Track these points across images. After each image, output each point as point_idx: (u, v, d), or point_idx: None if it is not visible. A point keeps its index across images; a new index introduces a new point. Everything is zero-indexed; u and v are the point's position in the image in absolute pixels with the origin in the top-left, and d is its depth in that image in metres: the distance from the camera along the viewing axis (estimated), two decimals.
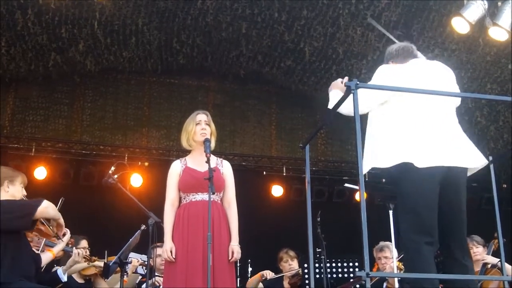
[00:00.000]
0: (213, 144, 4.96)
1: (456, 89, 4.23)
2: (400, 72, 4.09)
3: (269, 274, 7.30)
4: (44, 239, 5.51)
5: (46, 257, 5.39)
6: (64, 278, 6.03)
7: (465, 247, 4.00)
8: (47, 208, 4.64)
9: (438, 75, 4.17)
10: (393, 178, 3.91)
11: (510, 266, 6.48)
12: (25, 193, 4.99)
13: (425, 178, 3.77)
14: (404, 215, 3.84)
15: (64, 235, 5.28)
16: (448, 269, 3.85)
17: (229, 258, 4.72)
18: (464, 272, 3.82)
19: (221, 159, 5.14)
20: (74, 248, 5.97)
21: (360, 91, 3.55)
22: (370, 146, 4.02)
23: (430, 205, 3.77)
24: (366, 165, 3.93)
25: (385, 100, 4.04)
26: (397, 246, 6.20)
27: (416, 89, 3.94)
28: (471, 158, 3.97)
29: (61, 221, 4.97)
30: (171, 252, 4.70)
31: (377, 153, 3.93)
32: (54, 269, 6.39)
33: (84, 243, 6.75)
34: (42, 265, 5.37)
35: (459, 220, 3.94)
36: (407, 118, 3.93)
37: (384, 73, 4.13)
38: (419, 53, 4.44)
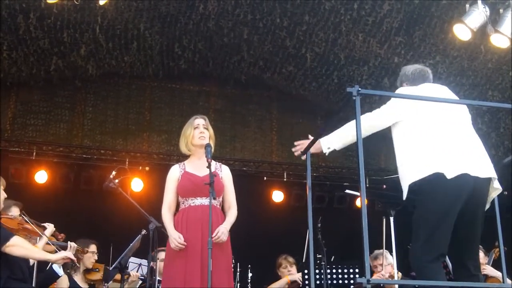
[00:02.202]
0: (212, 149, 4.96)
1: (466, 111, 4.28)
2: (415, 93, 4.17)
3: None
4: (43, 237, 5.50)
5: None
6: (61, 272, 6.02)
7: (477, 260, 4.07)
8: (11, 248, 4.73)
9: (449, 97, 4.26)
10: (421, 190, 3.89)
11: (510, 281, 6.47)
12: (5, 195, 5.01)
13: (453, 189, 3.79)
14: (419, 229, 3.85)
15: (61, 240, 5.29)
16: (460, 280, 3.86)
17: (213, 236, 4.67)
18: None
19: (219, 163, 5.13)
20: (68, 242, 5.90)
21: (384, 107, 3.95)
22: (401, 165, 4.08)
23: (449, 221, 3.80)
24: (404, 184, 3.99)
25: (405, 116, 4.11)
26: (397, 252, 6.20)
27: (419, 96, 3.99)
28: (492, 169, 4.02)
29: (47, 256, 5.02)
30: (179, 239, 4.68)
31: (407, 169, 3.99)
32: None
33: (93, 247, 6.76)
34: (31, 263, 5.37)
35: (476, 234, 4.00)
36: (430, 131, 4.00)
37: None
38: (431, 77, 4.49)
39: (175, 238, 4.69)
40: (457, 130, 4.04)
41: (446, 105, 4.08)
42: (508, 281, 6.27)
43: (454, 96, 4.33)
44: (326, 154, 4.28)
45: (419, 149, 3.94)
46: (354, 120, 3.76)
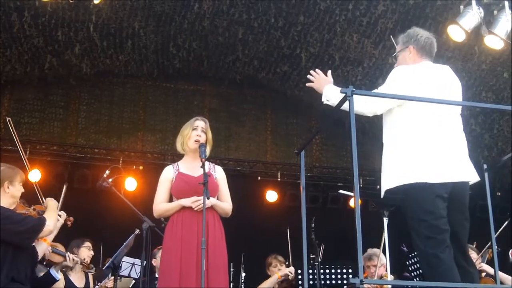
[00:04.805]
0: (207, 152, 4.93)
1: (460, 96, 4.27)
2: (413, 77, 4.10)
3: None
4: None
5: (41, 248, 5.33)
6: (58, 277, 6.01)
7: (469, 257, 4.11)
8: (49, 233, 4.93)
9: (447, 82, 4.21)
10: (405, 196, 3.95)
11: (510, 277, 6.50)
12: (23, 190, 5.01)
13: (435, 192, 3.84)
14: (417, 225, 3.88)
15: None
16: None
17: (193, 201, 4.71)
18: (471, 279, 3.89)
19: (213, 164, 5.12)
20: (67, 253, 5.93)
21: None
22: (385, 166, 4.09)
23: (442, 214, 3.84)
24: (384, 186, 4.03)
25: (396, 105, 4.09)
26: (391, 253, 6.20)
27: (416, 97, 3.97)
28: (472, 173, 4.07)
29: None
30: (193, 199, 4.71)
31: (390, 173, 4.02)
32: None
33: (87, 243, 6.78)
34: (39, 258, 5.35)
35: (465, 233, 4.04)
36: (416, 130, 3.99)
37: (399, 77, 4.14)
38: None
39: (190, 201, 4.71)
40: (444, 130, 4.02)
41: (436, 95, 4.04)
42: (509, 277, 6.32)
43: (453, 76, 4.29)
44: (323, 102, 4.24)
45: (404, 153, 3.97)
46: None
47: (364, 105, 4.07)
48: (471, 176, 4.06)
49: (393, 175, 3.98)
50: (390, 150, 4.08)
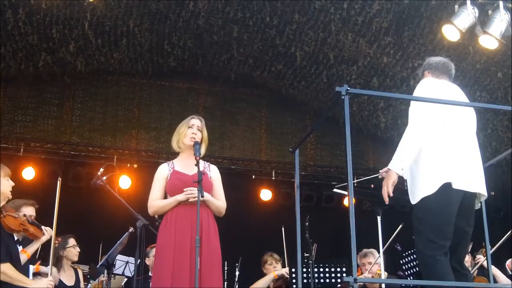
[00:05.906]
0: (203, 151, 4.92)
1: (473, 115, 4.31)
2: (437, 89, 4.22)
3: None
4: (37, 243, 5.46)
5: (22, 258, 5.32)
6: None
7: (463, 262, 4.16)
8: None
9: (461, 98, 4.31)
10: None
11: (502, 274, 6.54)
12: (13, 183, 4.97)
13: (452, 197, 3.89)
14: (422, 227, 3.92)
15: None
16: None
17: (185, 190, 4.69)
18: (465, 280, 3.97)
19: (208, 163, 5.11)
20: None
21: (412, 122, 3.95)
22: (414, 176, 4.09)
23: (450, 220, 3.88)
24: (416, 197, 4.01)
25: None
26: (384, 252, 6.22)
27: (416, 97, 4.01)
28: (483, 187, 4.11)
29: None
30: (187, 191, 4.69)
31: (421, 182, 4.02)
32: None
33: (72, 241, 6.71)
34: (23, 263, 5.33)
35: (467, 240, 4.10)
36: (441, 137, 4.03)
37: (426, 88, 4.24)
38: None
39: (184, 195, 4.68)
40: (463, 139, 4.09)
41: (456, 110, 4.13)
42: (508, 281, 6.37)
43: (465, 100, 4.37)
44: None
45: (432, 159, 3.99)
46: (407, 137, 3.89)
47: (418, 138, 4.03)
48: (482, 189, 4.09)
49: (422, 183, 3.99)
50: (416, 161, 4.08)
